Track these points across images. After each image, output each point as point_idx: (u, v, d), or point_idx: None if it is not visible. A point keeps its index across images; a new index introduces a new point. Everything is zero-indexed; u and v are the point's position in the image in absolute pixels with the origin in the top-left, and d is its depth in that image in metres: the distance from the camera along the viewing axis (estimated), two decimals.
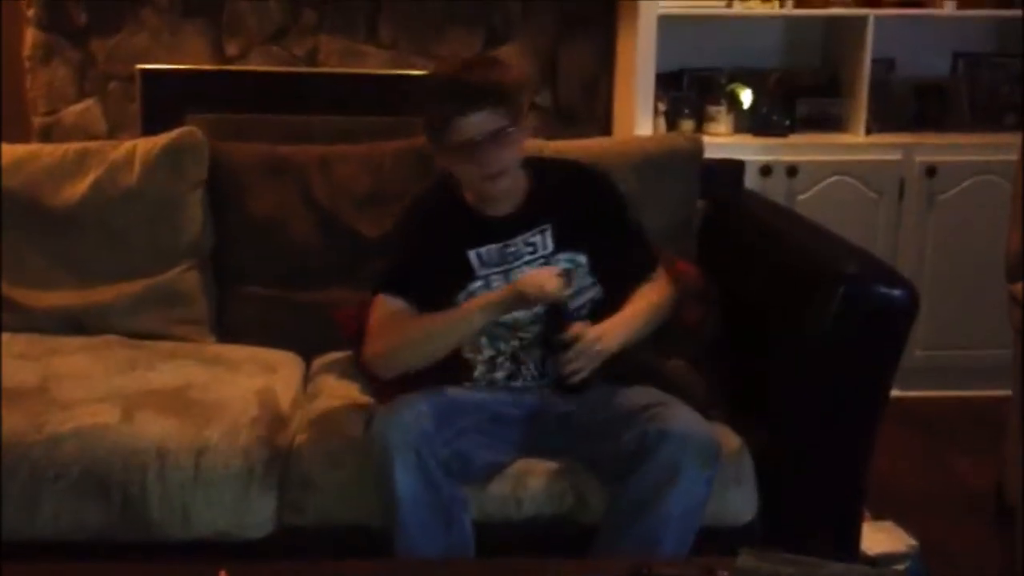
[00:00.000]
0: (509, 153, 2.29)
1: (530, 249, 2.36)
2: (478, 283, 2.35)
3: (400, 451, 2.11)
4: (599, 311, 2.37)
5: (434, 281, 2.34)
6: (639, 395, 2.29)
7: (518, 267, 2.36)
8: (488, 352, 2.38)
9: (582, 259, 2.39)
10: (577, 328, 2.24)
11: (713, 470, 2.18)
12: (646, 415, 2.19)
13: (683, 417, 2.19)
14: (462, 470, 2.21)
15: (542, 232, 2.37)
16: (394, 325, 2.32)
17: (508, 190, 2.34)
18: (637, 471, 2.14)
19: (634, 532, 2.14)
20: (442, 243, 2.36)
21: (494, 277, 2.35)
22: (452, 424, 2.20)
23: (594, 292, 2.40)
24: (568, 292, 2.29)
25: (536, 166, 2.42)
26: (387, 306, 2.34)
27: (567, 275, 2.33)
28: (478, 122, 2.24)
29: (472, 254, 2.36)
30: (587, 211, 2.40)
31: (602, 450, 2.24)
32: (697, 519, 2.18)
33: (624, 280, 2.40)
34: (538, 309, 2.31)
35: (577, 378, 2.23)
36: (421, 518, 2.14)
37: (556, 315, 2.27)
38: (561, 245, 2.37)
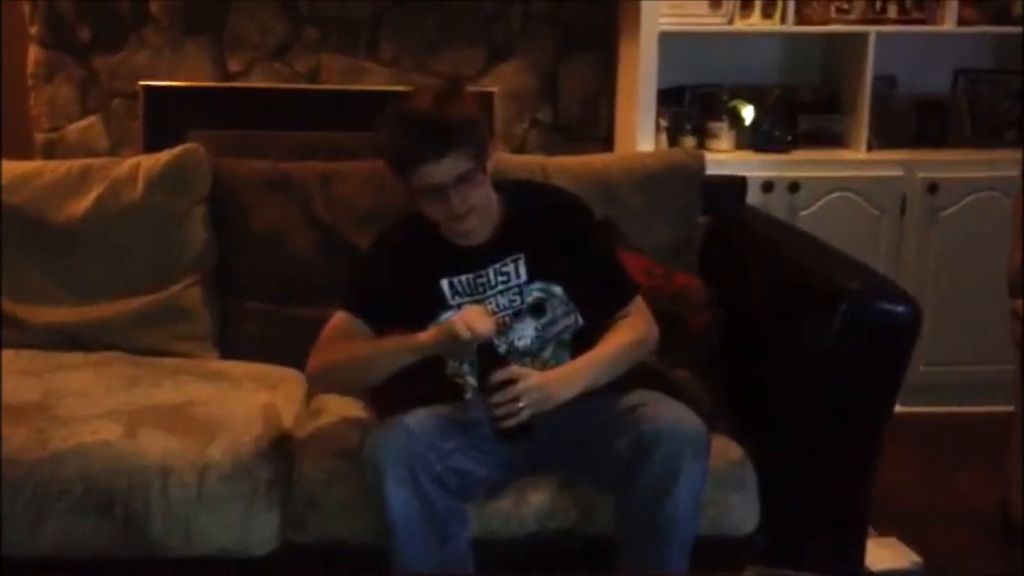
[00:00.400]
0: (476, 193, 2.25)
1: (503, 279, 2.34)
2: (450, 312, 2.31)
3: (392, 467, 2.11)
4: (580, 340, 2.35)
5: (401, 308, 2.32)
6: (626, 397, 2.28)
7: (491, 296, 2.34)
8: (467, 367, 2.36)
9: (556, 289, 2.36)
10: (512, 372, 2.16)
11: (707, 456, 2.19)
12: (635, 416, 2.19)
13: (671, 414, 2.19)
14: (460, 486, 2.20)
15: (515, 261, 2.34)
16: (338, 344, 2.31)
17: (476, 225, 2.30)
18: (638, 477, 2.14)
19: (649, 536, 2.15)
20: (414, 271, 2.34)
21: (467, 306, 2.31)
22: (447, 440, 2.20)
23: (571, 321, 2.37)
24: (496, 332, 2.22)
25: (511, 191, 2.39)
26: (341, 323, 2.33)
27: (539, 308, 2.33)
28: (446, 167, 2.19)
29: (444, 283, 2.34)
30: (561, 241, 2.37)
31: (598, 458, 2.24)
32: (700, 506, 2.19)
33: (599, 309, 2.36)
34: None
35: (509, 423, 2.14)
36: (415, 533, 2.14)
37: (487, 356, 2.18)
38: (534, 275, 2.35)
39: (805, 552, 2.33)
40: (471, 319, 2.17)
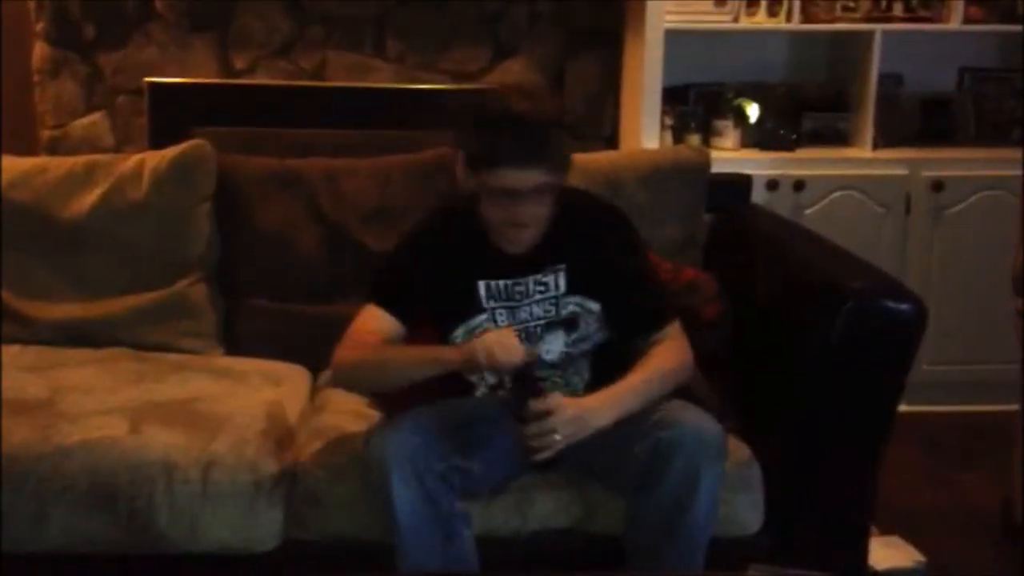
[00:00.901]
0: (544, 210, 2.23)
1: (541, 288, 2.31)
2: (482, 316, 2.30)
3: (396, 465, 2.10)
4: (600, 354, 2.34)
5: (435, 304, 2.30)
6: None
7: (526, 305, 2.31)
8: (491, 379, 2.34)
9: (593, 306, 2.32)
10: (551, 401, 2.10)
11: (725, 461, 2.18)
12: (653, 420, 2.17)
13: (690, 420, 2.17)
14: (464, 485, 2.19)
15: (556, 272, 2.31)
16: (367, 342, 2.27)
17: (532, 237, 2.26)
18: (657, 484, 2.12)
19: (668, 541, 2.14)
20: (452, 268, 2.30)
21: (500, 312, 2.30)
22: (453, 438, 2.18)
23: (600, 338, 2.34)
24: (529, 359, 2.16)
25: (560, 200, 2.28)
26: (372, 319, 2.29)
27: (572, 323, 2.30)
28: (529, 175, 2.16)
29: (481, 285, 2.30)
30: (605, 255, 2.32)
31: (614, 462, 2.21)
32: (717, 511, 2.19)
33: (635, 329, 2.31)
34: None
35: (545, 455, 2.10)
36: (420, 532, 2.13)
37: (522, 383, 2.14)
38: (573, 288, 2.32)
39: (809, 550, 2.33)
40: (499, 350, 2.11)
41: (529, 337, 2.29)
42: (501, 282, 2.31)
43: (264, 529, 2.30)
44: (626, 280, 2.33)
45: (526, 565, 2.26)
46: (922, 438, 3.55)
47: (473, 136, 2.23)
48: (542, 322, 2.33)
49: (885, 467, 2.46)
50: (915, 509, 3.14)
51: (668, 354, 2.27)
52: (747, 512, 2.33)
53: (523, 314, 2.31)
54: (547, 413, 2.08)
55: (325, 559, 2.30)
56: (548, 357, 2.32)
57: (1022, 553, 2.83)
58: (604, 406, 2.16)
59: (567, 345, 2.33)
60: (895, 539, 2.83)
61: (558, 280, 2.32)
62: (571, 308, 2.33)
